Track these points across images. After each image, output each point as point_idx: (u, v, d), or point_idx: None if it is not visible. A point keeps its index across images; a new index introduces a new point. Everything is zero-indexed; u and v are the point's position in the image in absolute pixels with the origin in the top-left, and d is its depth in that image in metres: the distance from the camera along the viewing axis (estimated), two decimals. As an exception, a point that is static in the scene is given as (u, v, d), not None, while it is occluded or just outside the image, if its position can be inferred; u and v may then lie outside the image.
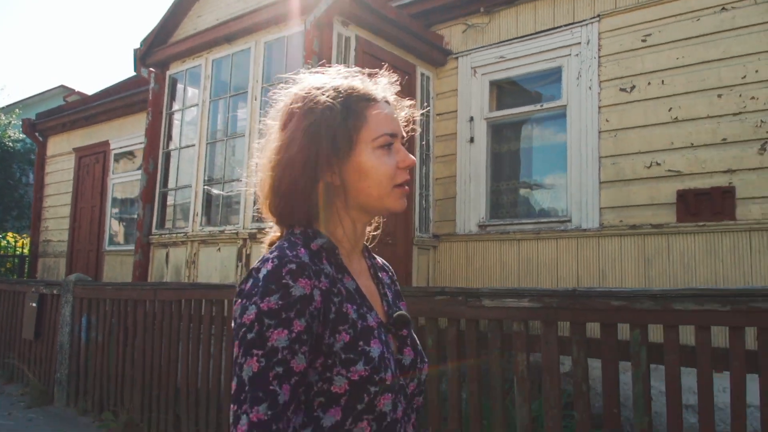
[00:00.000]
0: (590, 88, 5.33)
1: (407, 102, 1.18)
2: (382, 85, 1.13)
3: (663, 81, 4.93)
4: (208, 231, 5.82)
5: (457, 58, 6.24)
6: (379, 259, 1.25)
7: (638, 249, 4.94)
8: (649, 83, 5.01)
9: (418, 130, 5.92)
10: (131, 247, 7.85)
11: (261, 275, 0.95)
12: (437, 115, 6.33)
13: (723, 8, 4.71)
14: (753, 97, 4.54)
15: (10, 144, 17.10)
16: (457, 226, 6.07)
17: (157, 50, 6.62)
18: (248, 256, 5.38)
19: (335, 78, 1.11)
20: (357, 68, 1.15)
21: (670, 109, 4.89)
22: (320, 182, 1.04)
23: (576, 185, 5.35)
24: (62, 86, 21.08)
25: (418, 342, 1.15)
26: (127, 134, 9.35)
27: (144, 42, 6.68)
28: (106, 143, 9.76)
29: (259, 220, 5.29)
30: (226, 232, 5.62)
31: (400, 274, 4.51)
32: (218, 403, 4.23)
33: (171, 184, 6.53)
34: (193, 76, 6.45)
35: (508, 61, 5.89)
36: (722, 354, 2.49)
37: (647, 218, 4.92)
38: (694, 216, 4.69)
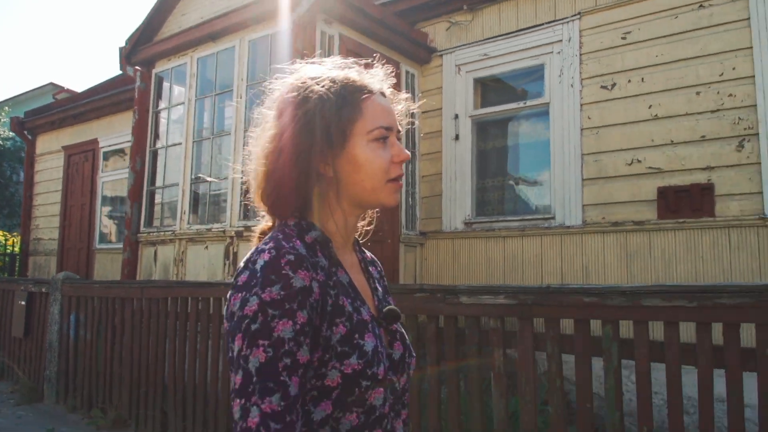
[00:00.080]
0: (572, 85, 5.38)
1: (403, 95, 1.16)
2: (379, 78, 1.12)
3: (643, 78, 4.98)
4: (196, 229, 5.85)
5: (441, 55, 6.28)
6: (368, 254, 1.24)
7: (620, 246, 5.00)
8: (629, 81, 5.05)
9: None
10: (121, 245, 7.86)
11: (258, 266, 0.92)
12: (423, 112, 6.36)
13: (701, 5, 4.76)
14: (731, 95, 4.60)
15: (0, 142, 17.03)
16: (443, 223, 6.11)
17: (143, 48, 6.61)
18: (235, 254, 5.42)
19: (331, 69, 1.11)
20: (353, 60, 1.13)
21: (650, 107, 4.94)
22: (313, 173, 1.03)
23: (559, 182, 5.40)
24: (52, 84, 20.99)
25: (406, 336, 1.14)
26: (116, 132, 9.35)
27: (129, 40, 6.67)
28: (95, 141, 9.76)
29: (246, 217, 5.33)
30: (213, 230, 5.65)
31: (387, 271, 4.58)
32: (205, 399, 4.29)
33: (158, 182, 6.54)
34: (178, 74, 6.46)
35: (491, 58, 5.92)
36: (691, 349, 2.55)
37: (629, 215, 4.98)
38: (675, 213, 4.74)
